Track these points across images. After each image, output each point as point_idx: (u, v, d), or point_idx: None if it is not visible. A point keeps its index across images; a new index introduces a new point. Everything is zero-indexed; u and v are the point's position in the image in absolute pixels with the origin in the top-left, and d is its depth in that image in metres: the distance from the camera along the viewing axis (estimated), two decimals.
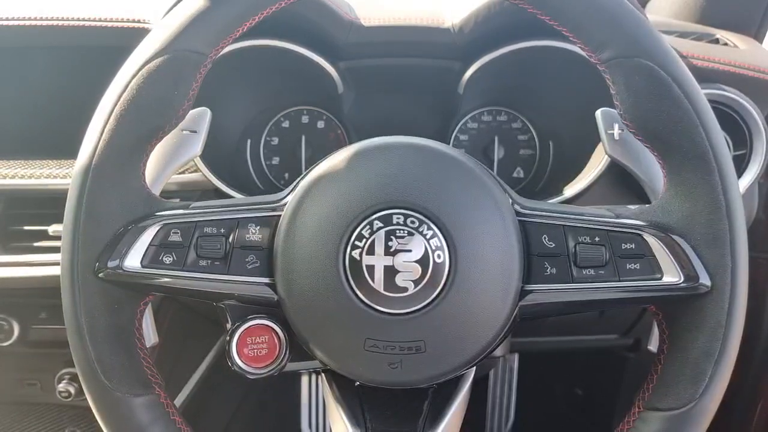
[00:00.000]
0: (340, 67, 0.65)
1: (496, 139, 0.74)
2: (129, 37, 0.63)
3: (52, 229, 0.63)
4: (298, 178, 0.43)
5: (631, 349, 0.84)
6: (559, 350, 0.95)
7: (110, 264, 0.40)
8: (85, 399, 0.75)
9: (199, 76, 0.42)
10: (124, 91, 0.40)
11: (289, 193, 0.42)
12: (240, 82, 0.69)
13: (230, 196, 0.64)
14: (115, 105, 0.40)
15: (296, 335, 0.40)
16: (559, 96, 0.69)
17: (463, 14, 0.61)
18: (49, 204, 0.64)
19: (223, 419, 0.93)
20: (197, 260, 0.41)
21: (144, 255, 0.40)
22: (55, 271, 0.65)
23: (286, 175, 0.76)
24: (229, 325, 0.43)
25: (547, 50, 0.62)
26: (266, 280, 0.41)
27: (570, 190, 0.63)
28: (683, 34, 0.76)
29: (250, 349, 0.41)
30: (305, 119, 0.75)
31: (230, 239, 0.41)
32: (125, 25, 0.64)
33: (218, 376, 0.83)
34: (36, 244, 0.64)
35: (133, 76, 0.40)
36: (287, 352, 0.42)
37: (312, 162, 0.76)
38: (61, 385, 0.72)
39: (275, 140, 0.75)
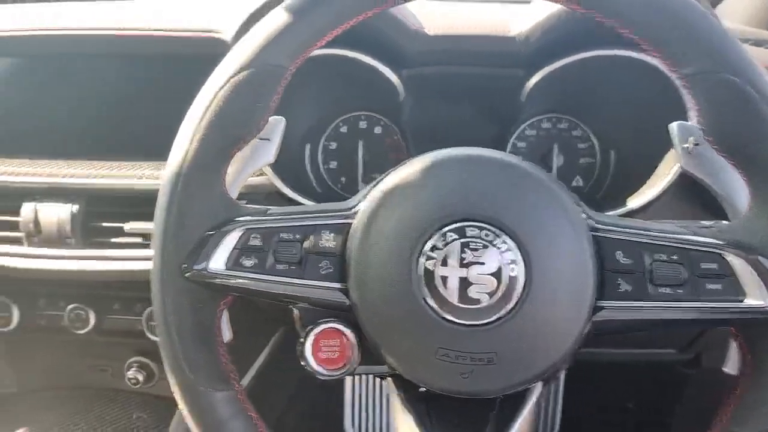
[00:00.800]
0: (402, 75, 0.66)
1: (556, 146, 0.73)
2: (201, 46, 0.66)
3: (128, 226, 0.67)
4: (370, 186, 0.45)
5: (690, 365, 0.81)
6: (611, 362, 0.93)
7: (196, 266, 0.42)
8: (153, 386, 0.80)
9: (279, 89, 0.44)
10: (211, 102, 0.43)
11: (360, 201, 0.44)
12: (303, 90, 0.71)
13: (293, 200, 0.66)
14: (203, 115, 0.43)
15: (368, 340, 0.42)
16: (624, 105, 0.68)
17: (530, 23, 0.61)
18: (125, 203, 0.68)
19: (274, 414, 0.96)
20: (275, 264, 0.43)
21: (228, 258, 0.42)
22: (131, 265, 0.70)
23: (343, 179, 0.78)
24: (301, 328, 0.45)
25: (615, 59, 0.61)
26: (339, 285, 0.43)
27: (635, 201, 0.62)
28: (758, 42, 0.73)
29: (323, 351, 0.43)
30: (363, 125, 0.77)
31: (305, 245, 0.43)
32: (197, 35, 0.67)
33: (271, 372, 0.86)
34: (113, 240, 0.68)
35: (220, 89, 0.42)
36: (358, 356, 0.43)
37: (369, 166, 0.79)
38: (130, 372, 0.76)
39: (333, 145, 0.77)
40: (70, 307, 0.73)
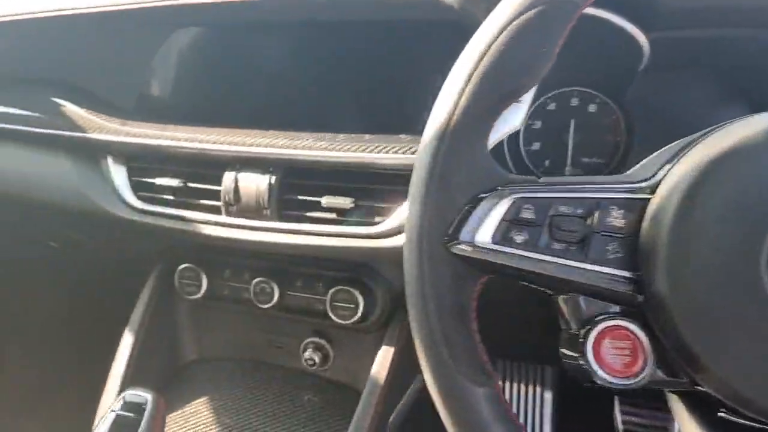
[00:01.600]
0: (649, 39, 0.56)
1: None
2: (421, 10, 0.61)
3: (325, 200, 0.64)
4: (667, 153, 0.36)
5: None
6: None
7: (462, 237, 0.36)
8: (327, 370, 0.78)
9: (566, 33, 0.37)
10: (488, 48, 0.37)
11: (658, 172, 0.36)
12: None
13: None
14: (477, 65, 0.37)
15: (672, 347, 0.33)
16: None
17: None
18: (322, 176, 0.65)
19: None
20: (550, 242, 0.36)
21: (495, 230, 0.36)
22: (323, 241, 0.67)
23: (547, 162, 0.69)
24: (573, 323, 0.37)
25: None
26: (629, 273, 0.35)
27: None
28: None
29: (611, 355, 0.35)
30: (575, 102, 0.68)
31: (588, 222, 0.36)
32: None
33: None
34: (308, 213, 0.65)
35: (500, 32, 0.36)
36: (654, 364, 0.35)
37: (579, 149, 0.70)
38: (307, 353, 0.74)
39: (537, 124, 0.69)
40: (255, 280, 0.73)
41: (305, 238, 0.65)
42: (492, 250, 0.36)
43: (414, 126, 0.67)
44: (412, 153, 0.60)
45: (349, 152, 0.63)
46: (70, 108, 0.75)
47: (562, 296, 0.38)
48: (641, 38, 0.55)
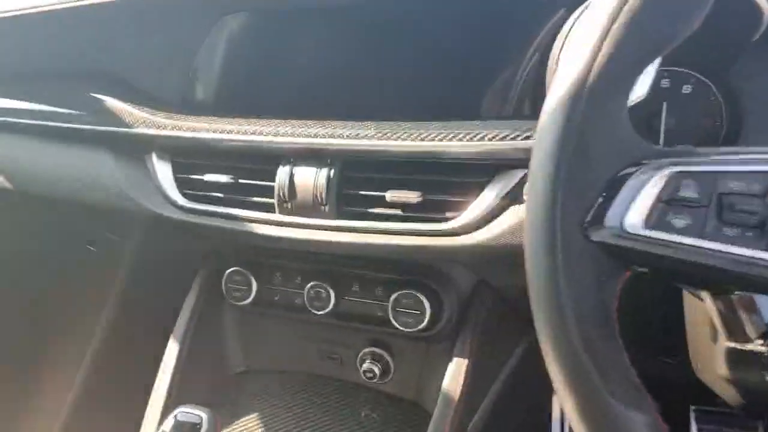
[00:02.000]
0: None
1: None
2: None
3: (390, 195, 0.58)
4: None
5: None
6: None
7: (607, 222, 0.30)
8: (386, 383, 0.71)
9: None
10: None
11: None
12: None
13: None
14: (622, 6, 0.30)
15: None
16: None
17: None
18: (386, 168, 0.59)
19: None
20: (720, 227, 0.29)
21: (649, 213, 0.30)
22: (388, 239, 0.61)
23: None
24: (750, 332, 0.30)
25: None
26: None
27: None
28: None
29: None
30: (665, 83, 0.61)
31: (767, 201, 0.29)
32: None
33: (507, 399, 0.71)
34: (370, 210, 0.59)
35: None
36: None
37: (674, 134, 0.63)
38: (365, 364, 0.68)
39: None
40: (309, 284, 0.67)
41: (368, 237, 0.59)
42: (645, 237, 0.30)
43: (475, 111, 0.61)
44: (490, 140, 0.54)
45: (417, 141, 0.57)
46: (111, 102, 0.71)
47: (730, 296, 0.31)
48: (763, 3, 0.48)
